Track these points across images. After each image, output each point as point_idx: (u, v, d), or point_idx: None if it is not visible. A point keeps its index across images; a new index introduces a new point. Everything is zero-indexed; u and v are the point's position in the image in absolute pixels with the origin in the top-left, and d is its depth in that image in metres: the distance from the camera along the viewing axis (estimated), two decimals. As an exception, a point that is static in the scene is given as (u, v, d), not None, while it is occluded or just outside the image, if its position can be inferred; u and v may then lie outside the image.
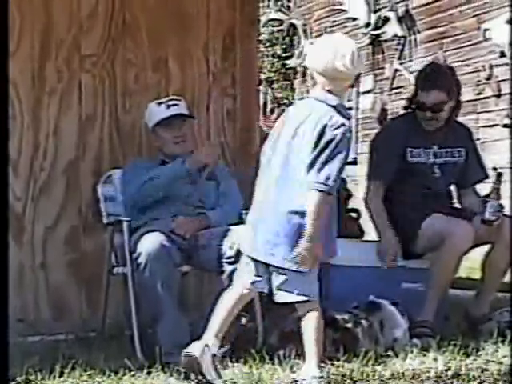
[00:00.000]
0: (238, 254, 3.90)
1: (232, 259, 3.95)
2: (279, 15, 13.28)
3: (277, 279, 3.43)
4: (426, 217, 4.51)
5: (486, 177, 4.78)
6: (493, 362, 3.73)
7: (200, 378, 3.39)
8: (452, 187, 4.82)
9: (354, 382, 3.52)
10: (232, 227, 4.11)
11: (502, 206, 4.45)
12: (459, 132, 4.81)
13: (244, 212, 4.16)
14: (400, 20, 10.78)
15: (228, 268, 3.97)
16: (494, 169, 4.59)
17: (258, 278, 3.47)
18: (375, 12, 11.26)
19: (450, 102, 4.62)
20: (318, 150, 3.36)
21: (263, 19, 12.50)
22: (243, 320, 4.02)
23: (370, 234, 5.09)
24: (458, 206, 4.80)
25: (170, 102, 4.45)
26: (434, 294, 4.38)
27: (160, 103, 4.46)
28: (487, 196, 4.48)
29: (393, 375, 3.56)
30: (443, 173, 4.68)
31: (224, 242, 4.01)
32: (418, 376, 3.56)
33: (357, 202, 6.14)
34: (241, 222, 4.08)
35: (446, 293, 4.57)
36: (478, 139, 9.26)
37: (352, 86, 3.55)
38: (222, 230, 4.13)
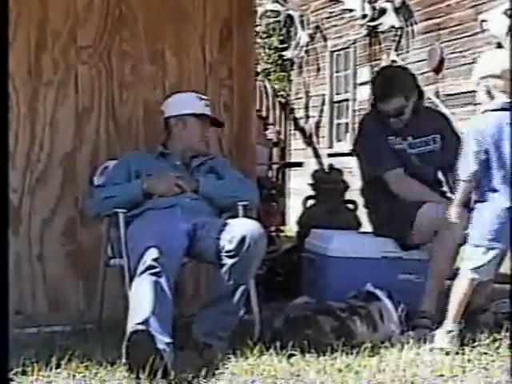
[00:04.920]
0: (238, 247, 3.89)
1: (232, 253, 3.90)
2: (276, 6, 13.26)
3: None
4: (421, 206, 4.49)
5: None
6: (489, 353, 3.74)
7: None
8: (441, 176, 4.84)
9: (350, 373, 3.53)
10: (229, 221, 4.10)
11: None
12: (433, 120, 4.85)
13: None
14: (397, 11, 10.77)
15: (228, 262, 3.91)
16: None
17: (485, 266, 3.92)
18: (371, 3, 11.25)
19: (410, 102, 4.69)
20: None
21: (260, 10, 12.49)
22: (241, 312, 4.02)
23: (367, 225, 5.10)
24: (450, 195, 4.79)
25: (208, 103, 4.50)
26: (435, 285, 4.36)
27: (201, 98, 4.48)
28: None
29: (388, 365, 3.56)
30: (426, 162, 4.71)
31: (222, 235, 3.98)
32: (414, 367, 3.56)
33: (353, 193, 6.15)
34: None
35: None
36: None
37: None
38: (219, 222, 4.11)
